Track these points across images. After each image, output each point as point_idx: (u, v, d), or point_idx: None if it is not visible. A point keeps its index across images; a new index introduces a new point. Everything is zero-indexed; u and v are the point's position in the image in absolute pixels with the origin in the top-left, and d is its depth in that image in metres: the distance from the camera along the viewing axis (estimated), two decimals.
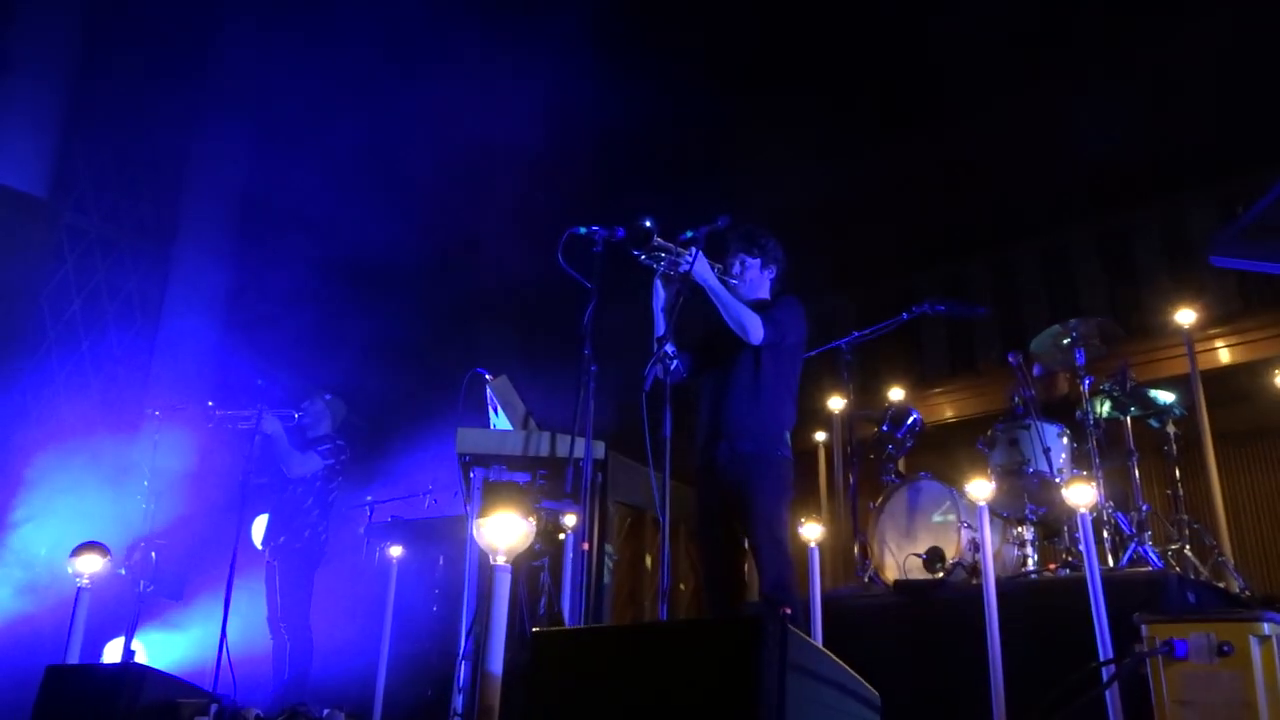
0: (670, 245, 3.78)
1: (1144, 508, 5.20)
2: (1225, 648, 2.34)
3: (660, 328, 3.92)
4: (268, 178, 9.10)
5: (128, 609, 5.75)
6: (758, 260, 4.19)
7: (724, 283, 3.96)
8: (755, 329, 3.87)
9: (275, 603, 5.47)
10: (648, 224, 3.71)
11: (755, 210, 4.45)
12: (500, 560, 2.30)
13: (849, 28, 9.90)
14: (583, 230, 3.65)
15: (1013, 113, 10.08)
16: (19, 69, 8.08)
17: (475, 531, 2.34)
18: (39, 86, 8.23)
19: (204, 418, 5.70)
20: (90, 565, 3.62)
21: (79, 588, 3.63)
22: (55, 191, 8.48)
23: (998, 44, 9.38)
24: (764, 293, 4.21)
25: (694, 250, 3.74)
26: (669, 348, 3.74)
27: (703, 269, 3.78)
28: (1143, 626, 2.56)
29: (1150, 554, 4.87)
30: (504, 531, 2.28)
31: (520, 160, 8.91)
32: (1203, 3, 8.79)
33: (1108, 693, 2.97)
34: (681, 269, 3.78)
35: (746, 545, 4.00)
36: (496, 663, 2.17)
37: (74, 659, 3.61)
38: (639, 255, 3.79)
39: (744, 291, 4.11)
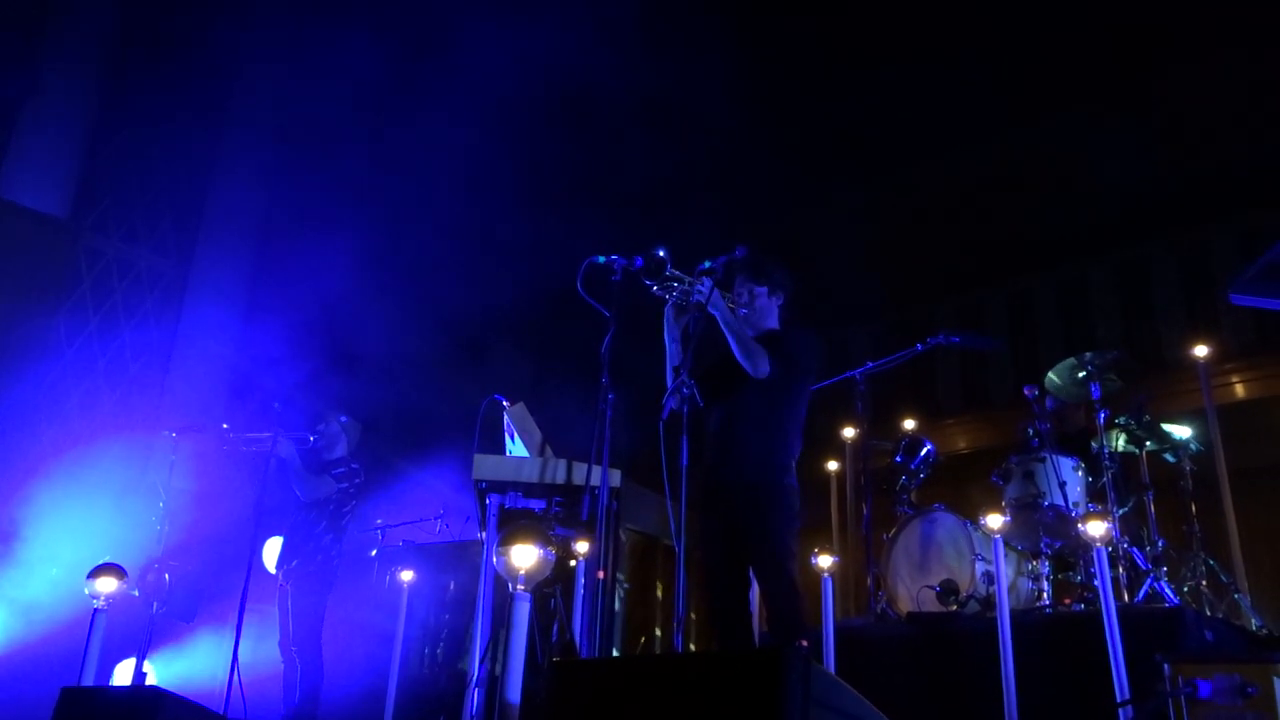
0: (683, 275, 3.81)
1: (1160, 543, 5.18)
2: (1250, 689, 2.32)
3: (677, 357, 3.94)
4: (287, 201, 9.17)
5: (139, 630, 5.75)
6: (764, 288, 4.21)
7: (734, 314, 3.98)
8: (761, 362, 3.87)
9: (287, 626, 5.45)
10: (661, 254, 3.74)
11: (770, 243, 4.46)
12: (520, 588, 2.30)
13: (864, 58, 9.94)
14: (601, 259, 3.68)
15: (1030, 144, 10.11)
16: (46, 92, 8.20)
17: (496, 558, 2.35)
18: (64, 109, 8.34)
19: (219, 439, 5.72)
20: (107, 586, 3.63)
21: (95, 609, 3.63)
22: (75, 212, 8.57)
23: (1015, 74, 9.42)
24: (773, 320, 4.22)
25: (706, 281, 3.76)
26: (686, 377, 3.75)
27: (715, 300, 3.80)
28: (1165, 666, 2.54)
29: (1166, 590, 4.84)
30: (526, 558, 2.29)
31: (535, 182, 8.98)
32: (1224, 35, 8.82)
33: None
34: (694, 299, 3.80)
35: (752, 574, 3.99)
36: (515, 691, 2.17)
37: (89, 681, 3.61)
38: (651, 285, 3.82)
39: (754, 320, 4.13)
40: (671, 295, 3.87)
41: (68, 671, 4.18)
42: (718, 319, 3.84)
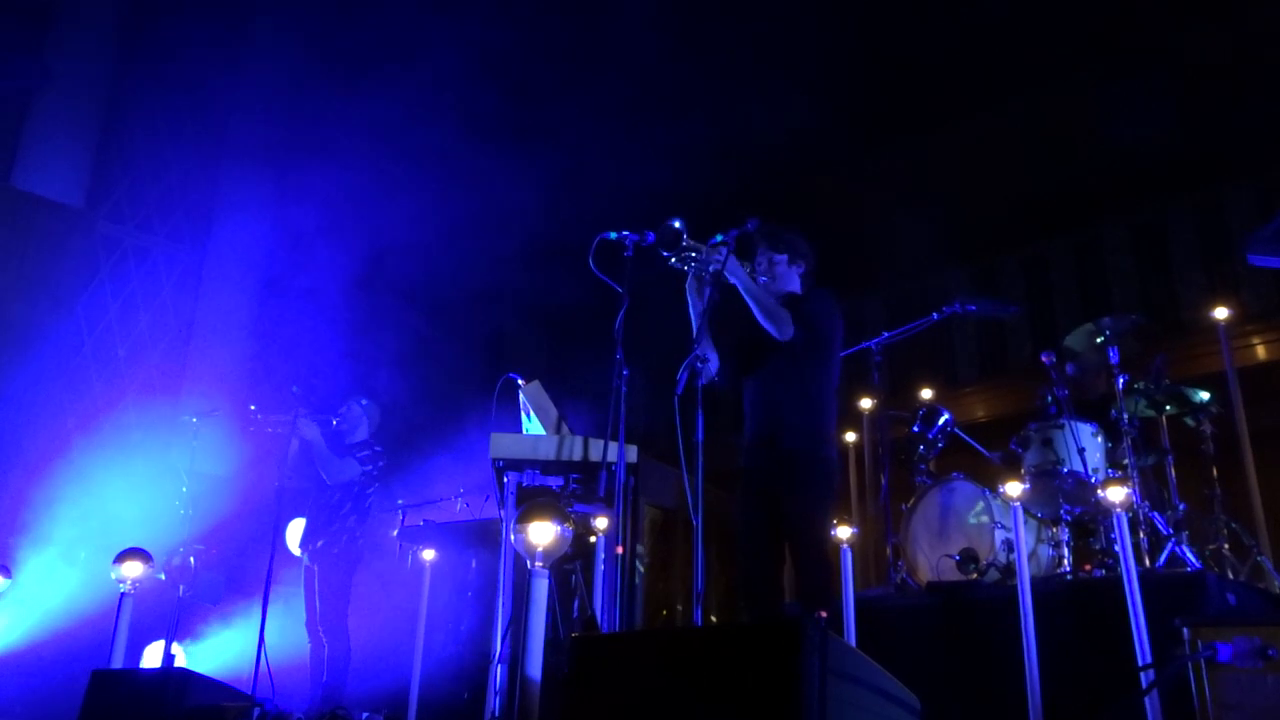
0: (699, 245, 3.79)
1: (1181, 507, 5.15)
2: (1270, 651, 2.31)
3: (693, 330, 3.93)
4: (300, 188, 9.19)
5: (166, 614, 5.82)
6: (784, 256, 4.21)
7: (754, 280, 3.96)
8: (785, 325, 3.86)
9: (314, 607, 5.50)
10: (677, 225, 3.72)
11: (781, 211, 4.43)
12: (538, 565, 2.32)
13: (875, 17, 9.82)
14: (613, 235, 3.67)
15: (1044, 106, 9.99)
16: (57, 82, 8.23)
17: (514, 536, 2.36)
18: (76, 98, 8.37)
19: (240, 421, 5.76)
20: (133, 571, 3.68)
21: (122, 593, 3.69)
22: (90, 201, 8.62)
23: (1028, 35, 9.30)
24: (795, 287, 4.21)
25: (723, 250, 3.74)
26: (700, 350, 3.74)
27: (733, 267, 3.79)
28: (1184, 630, 2.53)
29: (1188, 554, 4.81)
30: (543, 536, 2.30)
31: (549, 160, 8.94)
32: None
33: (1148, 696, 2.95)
34: (711, 269, 3.78)
35: (787, 547, 3.98)
36: (535, 667, 2.19)
37: (118, 663, 3.67)
38: (669, 257, 3.80)
39: (774, 288, 4.12)
40: (690, 267, 3.85)
41: (97, 655, 4.24)
42: (738, 286, 3.83)
